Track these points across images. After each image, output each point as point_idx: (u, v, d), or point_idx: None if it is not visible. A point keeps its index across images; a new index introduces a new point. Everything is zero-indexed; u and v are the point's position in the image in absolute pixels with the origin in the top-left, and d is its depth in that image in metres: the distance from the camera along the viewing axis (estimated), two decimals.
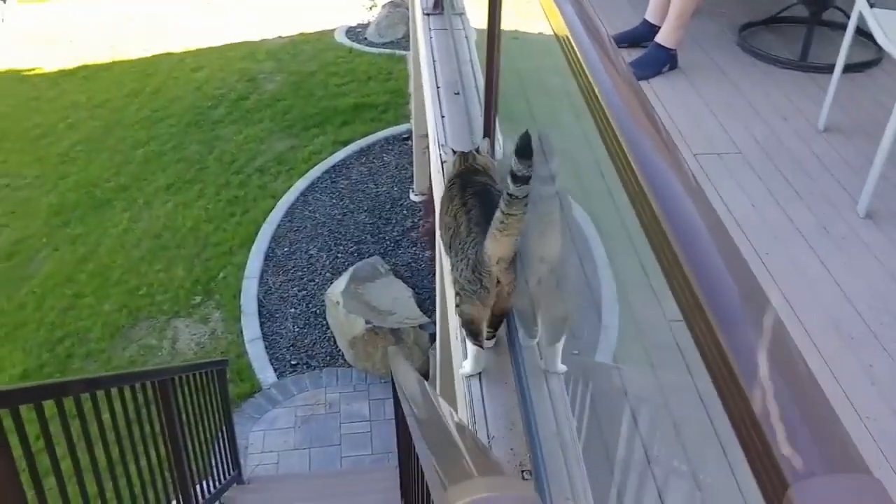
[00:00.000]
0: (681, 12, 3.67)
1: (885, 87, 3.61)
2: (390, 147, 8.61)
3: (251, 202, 8.00)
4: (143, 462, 3.46)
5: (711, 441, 1.83)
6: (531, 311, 1.94)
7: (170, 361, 6.27)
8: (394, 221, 7.58)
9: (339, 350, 6.38)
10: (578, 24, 1.22)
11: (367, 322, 6.06)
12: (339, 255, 7.23)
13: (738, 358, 0.62)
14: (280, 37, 11.53)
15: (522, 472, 1.76)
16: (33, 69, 11.52)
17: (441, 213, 2.07)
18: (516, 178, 1.53)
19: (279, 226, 7.65)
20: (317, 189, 8.10)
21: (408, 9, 8.89)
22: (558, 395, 1.97)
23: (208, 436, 4.55)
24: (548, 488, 1.71)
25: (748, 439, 0.58)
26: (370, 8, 11.91)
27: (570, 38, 1.20)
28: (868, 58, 3.74)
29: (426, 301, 6.41)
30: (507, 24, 2.52)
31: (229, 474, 4.88)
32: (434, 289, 4.98)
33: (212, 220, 7.82)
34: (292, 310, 6.76)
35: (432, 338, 5.93)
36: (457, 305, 1.90)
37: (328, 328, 6.55)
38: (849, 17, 3.18)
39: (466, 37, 3.72)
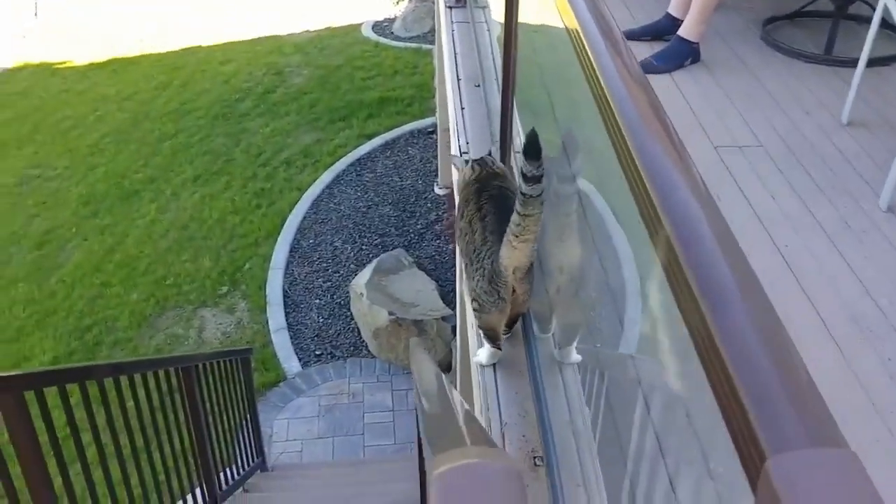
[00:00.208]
0: (704, 6, 3.66)
1: None
2: (415, 140, 8.64)
3: (277, 194, 8.06)
4: (168, 449, 3.51)
5: (723, 430, 1.84)
6: (548, 314, 1.95)
7: (196, 350, 6.35)
8: (418, 214, 7.61)
9: (363, 341, 6.43)
10: (590, 20, 1.22)
11: (391, 314, 6.09)
12: (364, 247, 7.28)
13: (723, 335, 0.64)
14: (307, 31, 11.60)
15: (534, 458, 1.78)
16: (64, 62, 11.67)
17: (456, 217, 2.02)
18: (527, 178, 1.52)
19: (305, 218, 7.71)
20: (342, 182, 8.15)
21: (433, 3, 8.91)
22: (572, 384, 1.98)
23: (233, 424, 4.60)
24: (558, 475, 1.72)
25: (730, 413, 0.60)
26: (397, 3, 11.94)
27: (580, 33, 1.20)
28: (893, 51, 3.71)
29: (449, 293, 6.44)
30: (529, 17, 2.53)
31: (253, 462, 4.94)
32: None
33: (238, 211, 7.90)
34: (317, 301, 6.81)
35: (455, 330, 5.96)
36: (475, 311, 1.89)
37: (352, 319, 6.60)
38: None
39: (489, 30, 3.73)
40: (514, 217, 1.60)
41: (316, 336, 6.52)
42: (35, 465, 2.30)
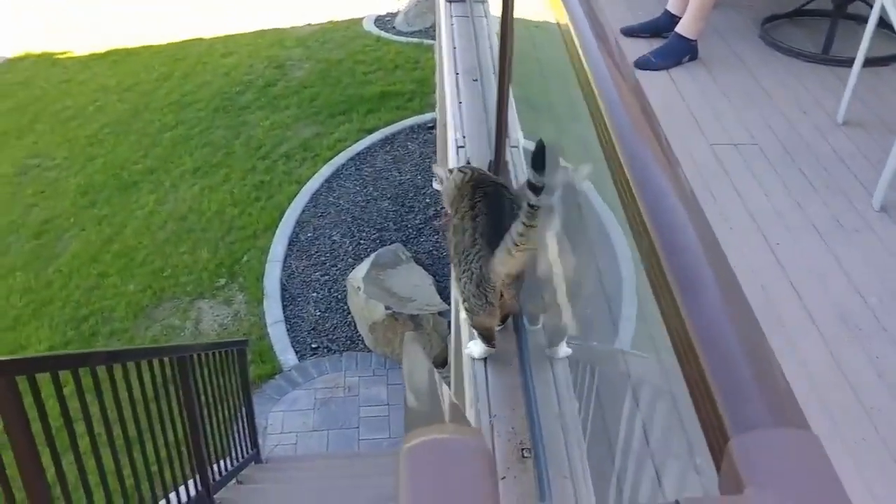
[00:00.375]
0: (702, 4, 3.67)
1: None
2: (415, 135, 8.64)
3: (276, 187, 8.07)
4: (161, 440, 3.52)
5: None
6: (540, 313, 1.94)
7: (192, 342, 6.35)
8: (416, 209, 7.62)
9: (360, 335, 6.44)
10: (581, 15, 1.21)
11: (387, 308, 6.11)
12: (362, 241, 7.29)
13: (693, 318, 0.65)
14: (309, 24, 11.59)
15: (522, 450, 1.79)
16: (65, 52, 11.67)
17: (451, 213, 1.97)
18: (535, 189, 1.49)
19: (303, 211, 7.72)
20: (341, 176, 8.16)
21: None
22: (562, 378, 1.99)
23: (227, 415, 4.61)
24: (545, 466, 1.74)
25: (698, 396, 0.61)
26: None
27: (570, 27, 1.20)
28: (891, 51, 3.72)
29: (446, 289, 6.45)
30: (529, 13, 2.54)
31: (247, 453, 4.95)
32: None
33: (237, 204, 7.91)
34: (314, 294, 6.82)
35: (451, 325, 5.97)
36: (466, 311, 1.87)
37: (349, 313, 6.61)
38: None
39: (487, 24, 3.74)
40: (518, 227, 1.57)
41: (312, 329, 6.53)
42: (28, 453, 2.30)
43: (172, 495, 3.62)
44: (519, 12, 2.24)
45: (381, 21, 11.50)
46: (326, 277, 6.97)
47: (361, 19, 11.55)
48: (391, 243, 7.11)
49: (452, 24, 3.79)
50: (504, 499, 1.28)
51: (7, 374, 2.22)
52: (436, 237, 7.22)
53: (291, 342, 6.42)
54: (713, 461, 0.57)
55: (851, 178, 2.94)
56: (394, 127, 8.77)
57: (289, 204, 7.79)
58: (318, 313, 6.66)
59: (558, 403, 1.94)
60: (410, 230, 7.38)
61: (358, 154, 8.43)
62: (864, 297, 2.43)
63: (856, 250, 2.60)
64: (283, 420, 5.82)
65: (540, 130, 3.38)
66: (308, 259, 7.17)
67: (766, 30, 4.04)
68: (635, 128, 0.96)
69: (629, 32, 4.06)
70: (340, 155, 8.41)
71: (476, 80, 3.23)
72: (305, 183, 8.06)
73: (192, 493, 3.82)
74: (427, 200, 7.66)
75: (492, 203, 1.79)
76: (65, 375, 2.62)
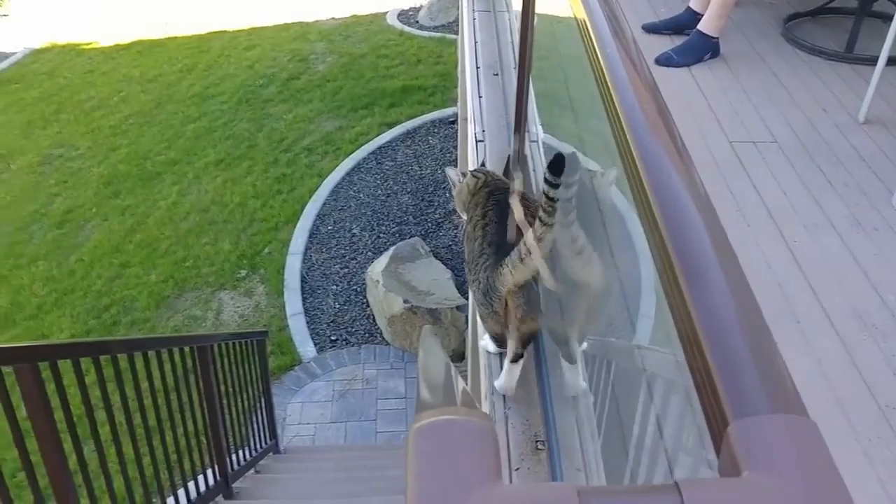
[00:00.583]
0: (724, 1, 3.66)
1: None
2: (436, 130, 8.66)
3: (298, 180, 8.11)
4: (181, 429, 3.56)
5: None
6: (564, 333, 1.92)
7: (213, 332, 6.41)
8: (436, 204, 7.64)
9: (378, 328, 6.48)
10: (598, 10, 1.22)
11: (406, 301, 6.13)
12: (381, 234, 7.32)
13: (698, 309, 0.67)
14: (333, 18, 11.63)
15: (536, 442, 1.81)
16: (90, 43, 11.76)
17: (459, 210, 1.98)
18: (551, 184, 1.46)
19: (324, 204, 7.76)
20: (362, 169, 8.19)
21: None
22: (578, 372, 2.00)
23: (247, 405, 4.65)
24: (559, 459, 1.75)
25: (700, 382, 0.63)
26: None
27: (587, 22, 1.21)
28: None
29: (464, 283, 6.46)
30: (554, 7, 2.55)
31: (266, 444, 5.00)
32: None
33: (259, 196, 7.96)
34: (334, 287, 6.86)
35: (468, 319, 5.99)
36: (480, 316, 1.88)
37: (368, 306, 6.64)
38: None
39: (509, 19, 3.75)
40: (536, 225, 1.54)
41: (332, 321, 6.57)
42: (51, 439, 2.34)
43: (191, 484, 3.66)
44: (542, 7, 2.25)
45: (404, 15, 11.52)
46: (346, 270, 7.00)
47: (385, 14, 11.58)
48: (410, 237, 7.14)
49: (474, 19, 3.81)
50: None
51: (30, 360, 2.26)
52: (455, 232, 7.24)
53: (311, 334, 6.46)
54: (713, 445, 0.59)
55: (872, 177, 2.93)
56: (415, 121, 8.80)
57: (310, 197, 7.84)
58: (338, 306, 6.70)
59: (573, 396, 1.95)
60: (430, 224, 7.40)
61: (379, 148, 8.46)
62: (881, 295, 2.42)
63: (874, 249, 2.60)
64: (302, 411, 5.87)
65: (561, 126, 3.39)
66: (328, 252, 7.21)
67: (788, 28, 4.03)
68: (650, 126, 0.97)
69: (651, 29, 4.06)
70: (362, 149, 8.45)
71: (497, 74, 3.24)
72: (327, 176, 8.10)
73: (211, 481, 3.86)
74: (447, 195, 7.68)
75: (504, 212, 1.76)
76: (86, 364, 2.65)
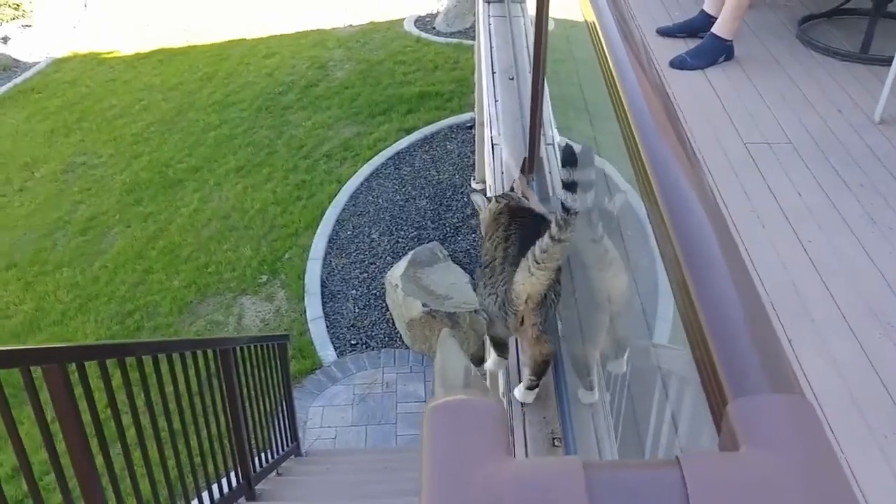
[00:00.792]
0: (737, 4, 3.68)
1: None
2: (454, 135, 8.70)
3: (317, 186, 8.17)
4: (205, 432, 3.61)
5: None
6: (584, 358, 1.94)
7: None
8: (454, 208, 7.67)
9: (398, 332, 6.52)
10: (608, 14, 1.25)
11: (425, 306, 6.17)
12: (400, 239, 7.36)
13: (701, 296, 0.70)
14: (351, 25, 11.71)
15: (553, 438, 1.84)
16: (112, 52, 11.90)
17: (484, 233, 2.01)
18: (569, 186, 1.50)
19: (343, 210, 7.81)
20: (380, 175, 8.24)
21: None
22: (593, 371, 2.03)
23: (268, 409, 4.70)
24: (575, 454, 1.78)
25: (702, 362, 0.66)
26: None
27: (596, 25, 1.24)
28: None
29: None
30: (569, 12, 2.58)
31: (288, 446, 5.04)
32: None
33: (279, 202, 8.02)
34: (353, 291, 6.91)
35: None
36: (483, 320, 1.91)
37: (387, 310, 6.68)
38: None
39: (524, 24, 3.79)
40: (545, 241, 1.58)
41: (351, 326, 6.62)
42: (78, 441, 2.39)
43: (215, 486, 3.70)
44: (557, 12, 2.28)
45: (421, 22, 11.57)
46: (365, 275, 7.05)
47: (402, 20, 11.64)
48: (429, 242, 7.17)
49: (490, 24, 3.85)
50: None
51: (57, 360, 2.31)
52: (473, 236, 7.27)
53: (331, 338, 6.51)
54: (713, 423, 0.62)
55: (887, 177, 2.94)
56: (433, 127, 8.84)
57: (329, 203, 7.89)
58: (357, 310, 6.74)
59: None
60: (448, 229, 7.44)
61: (397, 154, 8.51)
62: None
63: (889, 248, 2.61)
64: (323, 415, 5.91)
65: (577, 129, 3.42)
66: (347, 257, 7.26)
67: (803, 30, 4.04)
68: (659, 128, 1.00)
69: (665, 32, 4.08)
70: (380, 154, 8.50)
71: (512, 78, 3.28)
72: (346, 182, 8.16)
73: (234, 484, 3.90)
74: (464, 200, 7.71)
75: (525, 233, 1.80)
76: (111, 367, 2.70)
